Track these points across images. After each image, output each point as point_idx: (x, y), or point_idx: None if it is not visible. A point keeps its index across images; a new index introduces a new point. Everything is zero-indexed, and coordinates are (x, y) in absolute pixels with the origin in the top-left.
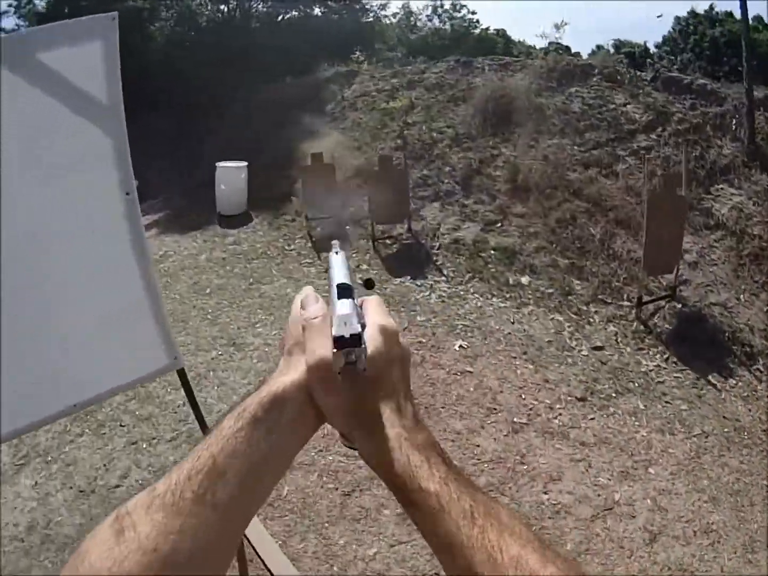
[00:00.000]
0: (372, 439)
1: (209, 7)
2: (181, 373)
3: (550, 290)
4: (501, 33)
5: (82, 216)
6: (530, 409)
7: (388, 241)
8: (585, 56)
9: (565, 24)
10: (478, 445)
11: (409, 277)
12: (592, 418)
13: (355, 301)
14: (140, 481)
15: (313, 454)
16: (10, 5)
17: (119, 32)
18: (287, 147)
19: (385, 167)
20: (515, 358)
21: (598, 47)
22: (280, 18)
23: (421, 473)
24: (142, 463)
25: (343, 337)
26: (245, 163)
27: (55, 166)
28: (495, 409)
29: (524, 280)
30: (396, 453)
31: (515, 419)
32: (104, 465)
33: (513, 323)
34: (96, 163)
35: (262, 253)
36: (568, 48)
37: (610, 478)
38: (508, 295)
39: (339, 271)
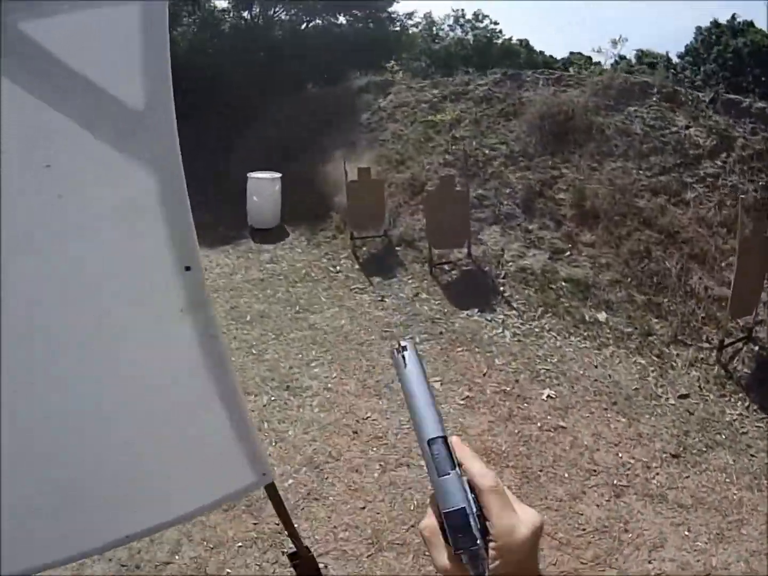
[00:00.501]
0: None
1: (231, 14)
2: (271, 489)
3: (629, 329)
4: (524, 43)
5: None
6: (628, 469)
7: (446, 267)
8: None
9: (624, 39)
10: (582, 513)
11: (476, 310)
12: (687, 477)
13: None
14: (194, 558)
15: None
16: None
17: None
18: (322, 158)
19: (445, 187)
20: (606, 409)
21: (621, 57)
22: (303, 26)
23: None
24: (194, 537)
25: (455, 539)
26: (279, 175)
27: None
28: (594, 470)
29: (601, 317)
30: None
31: (615, 481)
32: (150, 538)
33: (596, 367)
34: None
35: (305, 275)
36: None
37: (707, 542)
38: (585, 334)
39: (429, 419)
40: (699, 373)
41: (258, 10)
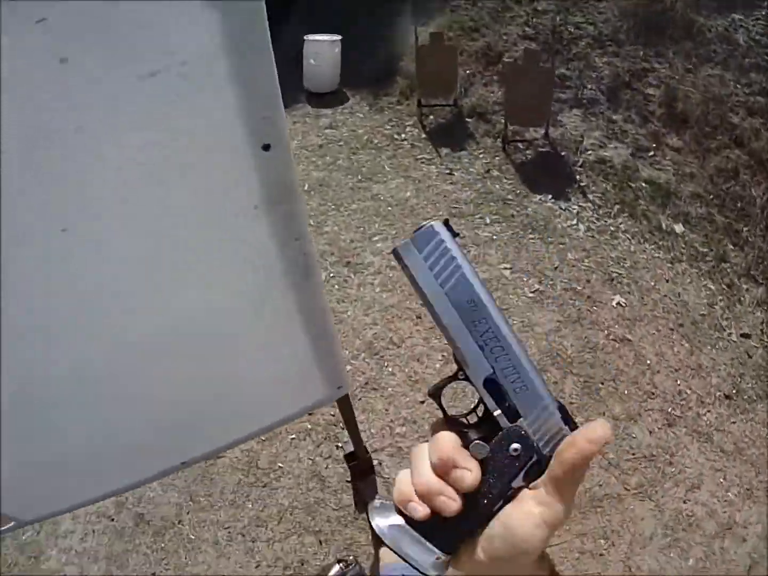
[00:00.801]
0: None
1: None
2: (344, 400)
3: (704, 249)
4: None
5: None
6: (683, 399)
7: (521, 146)
8: None
9: None
10: (635, 437)
11: (550, 196)
12: (733, 422)
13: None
14: (245, 451)
15: None
16: None
17: None
18: (387, 21)
19: (529, 61)
20: (672, 330)
21: None
22: None
23: None
24: None
25: None
26: (339, 36)
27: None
28: (653, 393)
29: (678, 228)
30: None
31: (670, 409)
32: None
33: (668, 282)
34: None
35: (367, 142)
36: None
37: (737, 495)
38: (660, 243)
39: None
40: (764, 316)
41: None
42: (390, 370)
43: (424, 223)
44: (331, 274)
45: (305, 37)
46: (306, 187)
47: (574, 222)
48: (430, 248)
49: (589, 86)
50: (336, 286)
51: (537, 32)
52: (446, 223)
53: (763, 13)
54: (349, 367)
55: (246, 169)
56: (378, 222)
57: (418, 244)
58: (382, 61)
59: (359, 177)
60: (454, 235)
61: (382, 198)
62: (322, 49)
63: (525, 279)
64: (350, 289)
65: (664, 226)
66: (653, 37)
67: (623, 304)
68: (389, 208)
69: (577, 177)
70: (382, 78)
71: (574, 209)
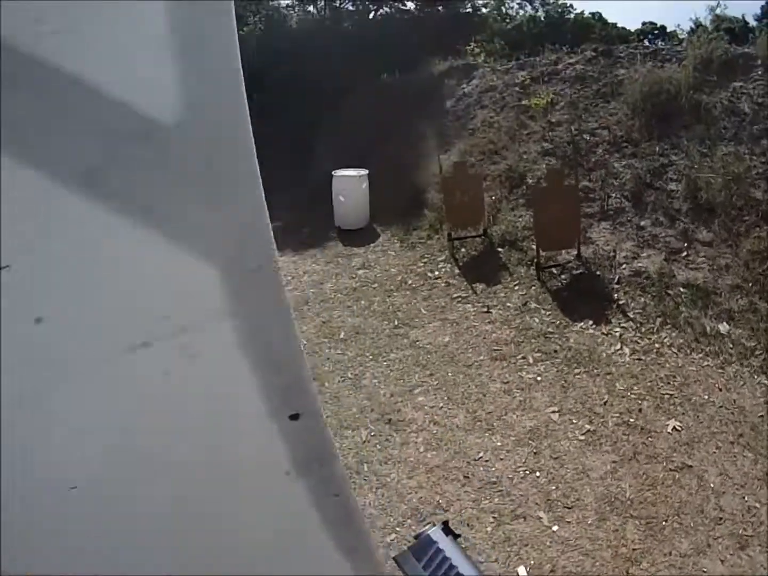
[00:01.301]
0: None
1: (296, 9)
2: None
3: (752, 343)
4: (597, 16)
5: None
6: (753, 516)
7: (555, 271)
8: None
9: (725, 7)
10: (705, 570)
11: (591, 322)
12: None
13: None
14: None
15: None
16: None
17: None
18: (409, 150)
19: (553, 181)
20: (732, 443)
21: (697, 25)
22: (371, 15)
23: None
24: None
25: None
26: (366, 171)
27: None
28: (720, 518)
29: (723, 328)
30: None
31: (740, 531)
32: None
33: (720, 390)
34: None
35: (401, 282)
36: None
37: None
38: (707, 350)
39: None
40: None
41: (323, 2)
42: None
43: (423, 530)
44: (372, 433)
45: (333, 173)
46: (342, 335)
47: (618, 346)
48: (428, 558)
49: (614, 195)
50: (378, 446)
51: (555, 146)
52: (446, 525)
53: (759, 72)
54: (393, 536)
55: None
56: (418, 372)
57: (417, 553)
58: (409, 192)
59: (396, 322)
60: (455, 537)
61: (420, 345)
62: (351, 185)
63: (575, 421)
64: (393, 449)
65: (708, 329)
66: (665, 128)
67: (679, 428)
68: (428, 356)
69: (615, 296)
70: (410, 211)
71: (616, 332)
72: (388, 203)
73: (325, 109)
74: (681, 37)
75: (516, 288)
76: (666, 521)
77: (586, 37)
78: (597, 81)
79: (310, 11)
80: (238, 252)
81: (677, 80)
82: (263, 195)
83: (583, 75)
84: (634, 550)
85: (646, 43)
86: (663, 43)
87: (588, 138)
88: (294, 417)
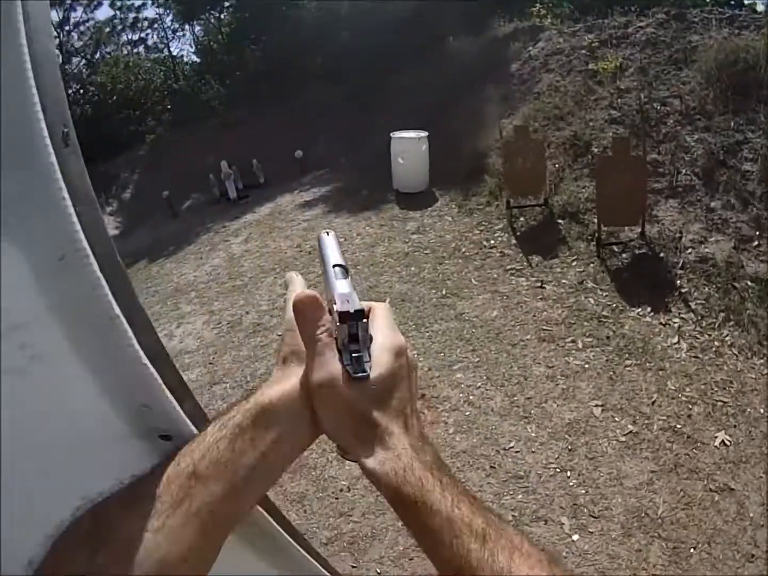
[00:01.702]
0: (377, 458)
1: None
2: None
3: None
4: None
5: None
6: None
7: (616, 248)
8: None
9: None
10: None
11: (649, 309)
12: None
13: (352, 285)
14: None
15: None
16: None
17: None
18: (472, 114)
19: (619, 152)
20: None
21: None
22: None
23: (433, 496)
24: None
25: (348, 312)
26: (425, 133)
27: None
28: (753, 555)
29: None
30: (407, 474)
31: None
32: None
33: None
34: None
35: (454, 250)
36: None
37: None
38: None
39: (333, 252)
40: None
41: None
42: None
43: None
44: None
45: (392, 135)
46: (387, 302)
47: (675, 340)
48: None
49: (684, 171)
50: None
51: (623, 114)
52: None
53: None
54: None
55: None
56: (460, 347)
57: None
58: (470, 157)
59: (444, 291)
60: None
61: (466, 317)
62: (410, 147)
63: (618, 419)
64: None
65: None
66: (742, 102)
67: (728, 443)
68: (473, 330)
69: (678, 282)
70: (470, 176)
71: (675, 323)
72: (449, 167)
73: (386, 74)
74: (759, 10)
75: (573, 264)
76: (695, 548)
77: (658, 1)
78: (669, 46)
79: None
80: (39, 242)
81: (755, 49)
82: (56, 165)
83: (655, 39)
84: (653, 575)
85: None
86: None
87: (658, 107)
88: (165, 437)
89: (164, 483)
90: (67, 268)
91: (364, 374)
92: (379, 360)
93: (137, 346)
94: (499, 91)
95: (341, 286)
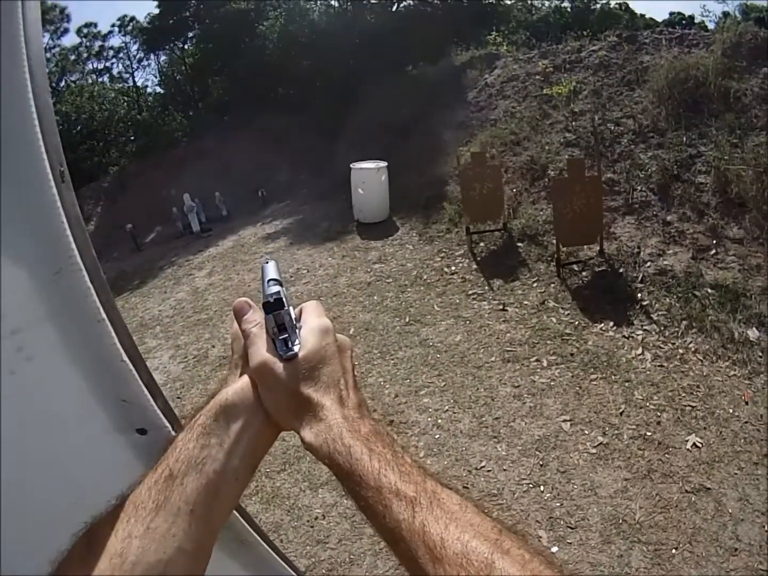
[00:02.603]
0: (312, 430)
1: (318, 2)
2: None
3: None
4: (624, 6)
5: None
6: None
7: (576, 267)
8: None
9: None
10: None
11: (611, 324)
12: None
13: (283, 289)
14: None
15: None
16: (113, 25)
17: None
18: (431, 142)
19: (574, 173)
20: (756, 464)
21: (725, 14)
22: (394, 8)
23: (361, 465)
24: None
25: (268, 301)
26: (384, 163)
27: None
28: (735, 549)
29: (752, 334)
30: (337, 444)
31: (757, 564)
32: None
33: (747, 404)
34: None
35: (416, 277)
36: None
37: None
38: (735, 357)
39: (270, 272)
40: None
41: None
42: None
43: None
44: None
45: (351, 165)
46: (351, 331)
47: (639, 351)
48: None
49: (639, 187)
50: None
51: (578, 136)
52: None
53: None
54: (382, 544)
55: None
56: (426, 372)
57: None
58: (429, 185)
59: (407, 319)
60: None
61: (431, 343)
62: (369, 177)
63: (587, 432)
64: None
65: (736, 335)
66: (693, 117)
67: (699, 445)
68: (438, 355)
69: (639, 296)
70: (430, 204)
71: (639, 335)
72: (409, 196)
73: (348, 102)
74: (710, 28)
75: (534, 285)
76: (676, 549)
77: (612, 27)
78: (621, 68)
79: (331, 4)
80: (36, 256)
81: (705, 66)
82: (57, 196)
83: (607, 62)
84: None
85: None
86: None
87: (612, 128)
88: (141, 431)
89: (145, 490)
90: (63, 280)
91: (293, 353)
92: (306, 340)
93: (119, 345)
94: (457, 118)
95: (270, 290)
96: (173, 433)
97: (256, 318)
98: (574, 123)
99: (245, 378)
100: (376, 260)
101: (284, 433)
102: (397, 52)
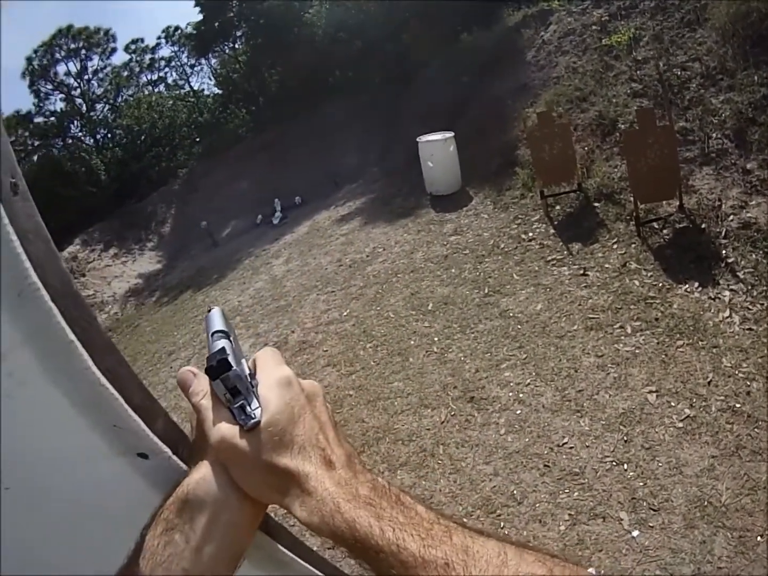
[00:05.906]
0: (303, 507)
1: None
2: None
3: None
4: None
5: None
6: None
7: (656, 225)
8: None
9: None
10: None
11: (696, 284)
12: None
13: (231, 338)
14: None
15: None
16: (158, 37)
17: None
18: (494, 108)
19: (644, 124)
20: None
21: None
22: None
23: (373, 540)
24: None
25: (211, 365)
26: (452, 134)
27: None
28: None
29: None
30: (336, 519)
31: None
32: None
33: None
34: None
35: (493, 247)
36: None
37: None
38: None
39: (214, 322)
40: None
41: None
42: (505, 532)
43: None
44: (452, 413)
45: (418, 139)
46: (430, 307)
47: (727, 313)
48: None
49: (714, 135)
50: (456, 427)
51: (644, 86)
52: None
53: None
54: None
55: None
56: (506, 345)
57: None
58: (499, 151)
59: (486, 290)
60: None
61: (510, 314)
62: (438, 149)
63: (673, 404)
64: (472, 431)
65: None
66: (761, 54)
67: None
68: (519, 326)
69: (723, 253)
70: (501, 171)
71: (725, 296)
72: (479, 165)
73: (403, 78)
74: None
75: (615, 246)
76: (762, 536)
77: None
78: (679, 9)
79: None
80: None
81: None
82: (3, 212)
83: (664, 4)
84: (719, 568)
85: None
86: None
87: (679, 73)
88: (143, 455)
89: None
90: (25, 302)
91: (254, 421)
92: (268, 400)
93: (94, 369)
94: (518, 80)
95: (214, 346)
96: (174, 458)
97: (202, 387)
98: (638, 72)
99: (206, 464)
100: (452, 232)
101: (362, 414)
102: (448, 21)
